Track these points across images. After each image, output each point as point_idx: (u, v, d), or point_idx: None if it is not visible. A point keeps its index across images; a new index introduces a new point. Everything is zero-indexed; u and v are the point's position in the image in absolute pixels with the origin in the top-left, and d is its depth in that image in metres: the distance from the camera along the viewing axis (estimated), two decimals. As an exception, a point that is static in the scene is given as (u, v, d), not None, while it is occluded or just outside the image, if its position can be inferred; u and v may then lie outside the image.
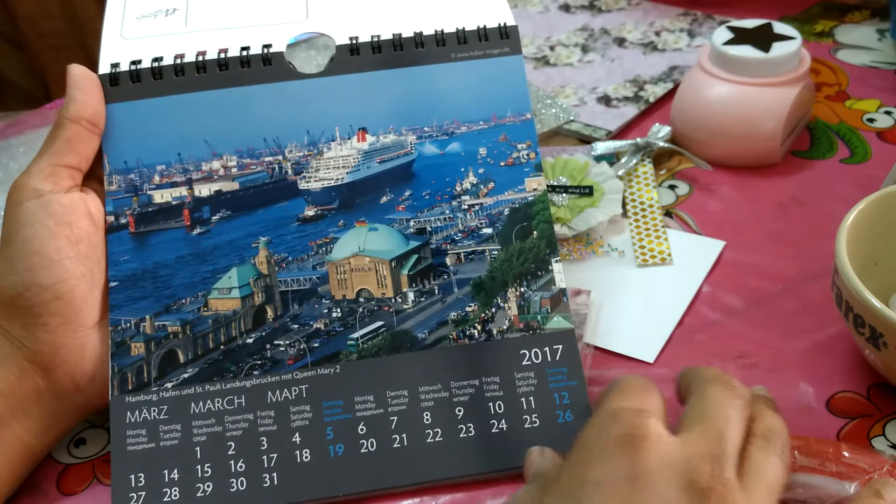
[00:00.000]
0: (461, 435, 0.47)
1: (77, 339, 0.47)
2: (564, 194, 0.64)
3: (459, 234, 0.53)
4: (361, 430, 0.47)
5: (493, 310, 0.51)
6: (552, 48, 0.84)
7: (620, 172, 0.66)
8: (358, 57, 0.54)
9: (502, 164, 0.54)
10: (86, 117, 0.50)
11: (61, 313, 0.47)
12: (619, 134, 0.73)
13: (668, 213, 0.64)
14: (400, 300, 0.51)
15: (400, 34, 0.55)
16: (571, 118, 0.74)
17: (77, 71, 0.51)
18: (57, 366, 0.47)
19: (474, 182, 0.54)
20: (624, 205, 0.64)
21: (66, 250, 0.47)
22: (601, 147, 0.69)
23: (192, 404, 0.48)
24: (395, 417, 0.48)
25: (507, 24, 0.55)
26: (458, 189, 0.53)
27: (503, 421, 0.47)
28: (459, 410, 0.48)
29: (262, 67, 0.53)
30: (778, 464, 0.38)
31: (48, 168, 0.48)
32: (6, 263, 0.47)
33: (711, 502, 0.34)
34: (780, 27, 0.68)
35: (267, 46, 0.54)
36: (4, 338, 0.47)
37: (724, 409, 0.38)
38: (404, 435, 0.47)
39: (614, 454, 0.36)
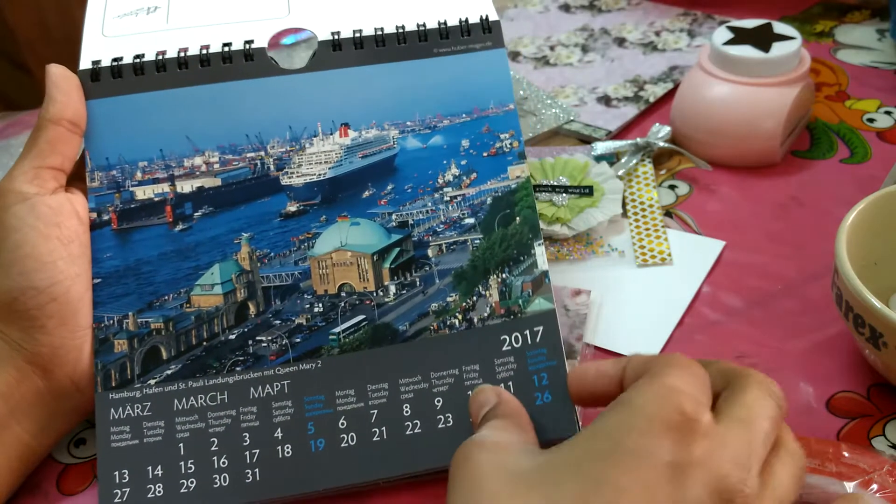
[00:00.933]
0: (440, 426, 0.47)
1: (75, 340, 0.47)
2: (564, 194, 0.63)
3: (441, 226, 0.52)
4: (342, 424, 0.47)
5: (475, 298, 0.50)
6: (552, 48, 0.84)
7: (620, 172, 0.66)
8: (340, 52, 0.54)
9: (485, 154, 0.54)
10: (67, 118, 0.49)
11: (58, 315, 0.46)
12: (619, 134, 0.73)
13: (668, 213, 0.64)
14: (381, 293, 0.51)
15: (382, 29, 0.54)
16: (571, 118, 0.74)
17: (56, 70, 0.50)
18: (56, 367, 0.46)
19: (457, 174, 0.53)
20: (624, 205, 0.64)
21: (58, 252, 0.47)
22: (601, 147, 0.68)
23: (175, 401, 0.47)
24: (375, 411, 0.47)
25: (490, 18, 0.55)
26: (441, 181, 0.53)
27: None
28: (438, 401, 0.47)
29: (244, 63, 0.53)
30: (795, 486, 0.37)
31: (32, 171, 0.48)
32: (0, 269, 0.46)
33: None
34: (780, 27, 0.68)
35: (249, 42, 0.54)
36: (3, 341, 0.46)
37: (766, 418, 0.37)
38: (384, 428, 0.47)
39: (664, 432, 0.35)
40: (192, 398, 0.47)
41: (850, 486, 0.42)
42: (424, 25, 0.55)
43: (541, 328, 0.49)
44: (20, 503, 0.48)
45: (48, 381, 0.47)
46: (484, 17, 0.55)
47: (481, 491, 0.36)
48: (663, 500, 0.34)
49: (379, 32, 0.54)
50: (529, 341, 0.48)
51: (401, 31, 0.54)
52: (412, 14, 0.55)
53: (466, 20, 0.55)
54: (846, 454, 0.43)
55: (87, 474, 0.49)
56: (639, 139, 0.68)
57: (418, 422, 0.47)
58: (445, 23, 0.55)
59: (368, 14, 0.55)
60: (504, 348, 0.48)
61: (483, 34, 0.55)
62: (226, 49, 0.53)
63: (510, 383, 0.48)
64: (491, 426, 0.41)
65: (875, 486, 0.42)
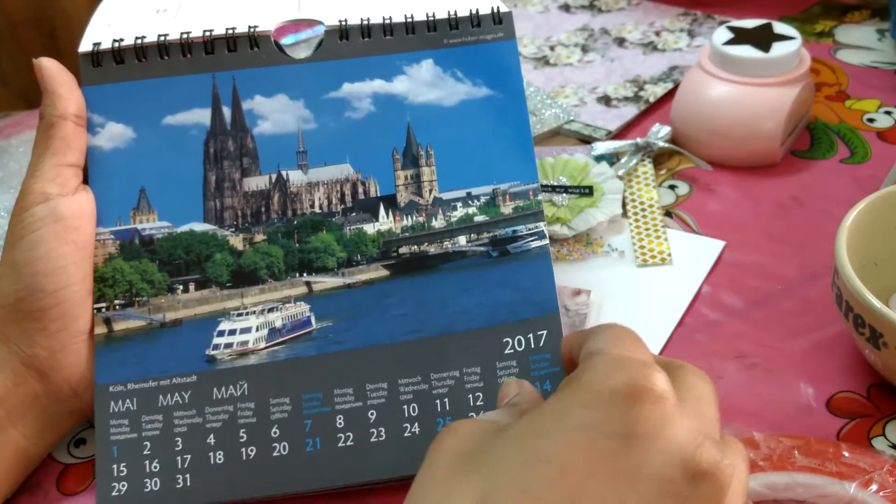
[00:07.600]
0: (439, 429, 0.46)
1: (74, 344, 0.47)
2: (564, 194, 0.63)
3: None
4: (339, 423, 0.47)
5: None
6: (552, 48, 0.84)
7: (620, 172, 0.66)
8: (347, 42, 0.53)
9: None
10: (74, 112, 0.49)
11: (61, 318, 0.46)
12: (619, 134, 0.73)
13: (668, 213, 0.64)
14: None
15: (391, 18, 0.54)
16: (571, 118, 0.74)
17: (50, 65, 0.49)
18: (54, 371, 0.46)
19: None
20: (624, 205, 0.64)
21: (71, 256, 0.47)
22: (601, 147, 0.69)
23: (175, 394, 0.47)
24: (374, 411, 0.47)
25: (501, 10, 0.55)
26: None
27: (482, 412, 0.47)
28: (438, 403, 0.47)
29: (249, 51, 0.52)
30: (748, 474, 0.35)
31: (54, 169, 0.47)
32: (10, 268, 0.46)
33: (707, 486, 0.32)
34: (780, 27, 0.68)
35: (253, 27, 0.52)
36: (1, 342, 0.46)
37: (713, 398, 0.35)
38: (382, 429, 0.47)
39: (612, 403, 0.32)
40: (189, 392, 0.47)
41: (850, 486, 0.42)
42: (434, 15, 0.54)
43: (544, 333, 0.49)
44: (20, 503, 0.48)
45: (45, 384, 0.46)
46: (495, 9, 0.55)
47: (428, 471, 0.35)
48: (616, 476, 0.31)
49: (387, 21, 0.53)
50: (532, 345, 0.48)
51: (409, 20, 0.53)
52: (422, 6, 0.55)
53: (477, 10, 0.54)
54: (846, 454, 0.44)
55: (87, 474, 0.49)
56: (639, 139, 0.68)
57: (417, 423, 0.47)
58: (455, 13, 0.54)
59: (377, 5, 0.55)
60: (507, 351, 0.48)
61: (494, 25, 0.54)
62: (230, 31, 0.52)
63: None
64: (492, 412, 0.40)
65: (875, 486, 0.42)
